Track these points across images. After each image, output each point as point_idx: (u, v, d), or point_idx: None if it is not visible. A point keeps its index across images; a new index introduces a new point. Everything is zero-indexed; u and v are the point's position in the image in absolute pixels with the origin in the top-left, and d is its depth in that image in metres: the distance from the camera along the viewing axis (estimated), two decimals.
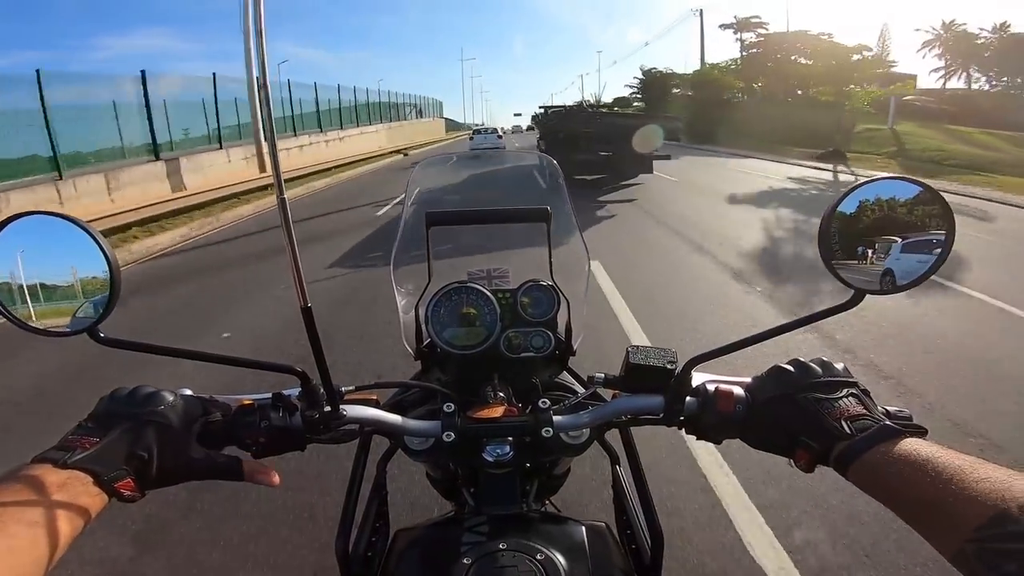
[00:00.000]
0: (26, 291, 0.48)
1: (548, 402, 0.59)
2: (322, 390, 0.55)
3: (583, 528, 0.58)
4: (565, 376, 0.81)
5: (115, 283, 0.48)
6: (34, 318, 0.48)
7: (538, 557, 0.50)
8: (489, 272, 0.82)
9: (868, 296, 0.50)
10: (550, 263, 0.82)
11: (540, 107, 15.08)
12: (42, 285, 0.48)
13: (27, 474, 0.42)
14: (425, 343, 0.80)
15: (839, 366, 0.53)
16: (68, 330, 0.49)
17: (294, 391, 0.57)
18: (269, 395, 0.57)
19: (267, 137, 0.44)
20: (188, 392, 0.55)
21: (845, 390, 0.50)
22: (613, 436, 0.70)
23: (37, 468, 0.42)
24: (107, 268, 0.48)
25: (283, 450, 0.56)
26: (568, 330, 0.80)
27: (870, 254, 0.50)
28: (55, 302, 0.49)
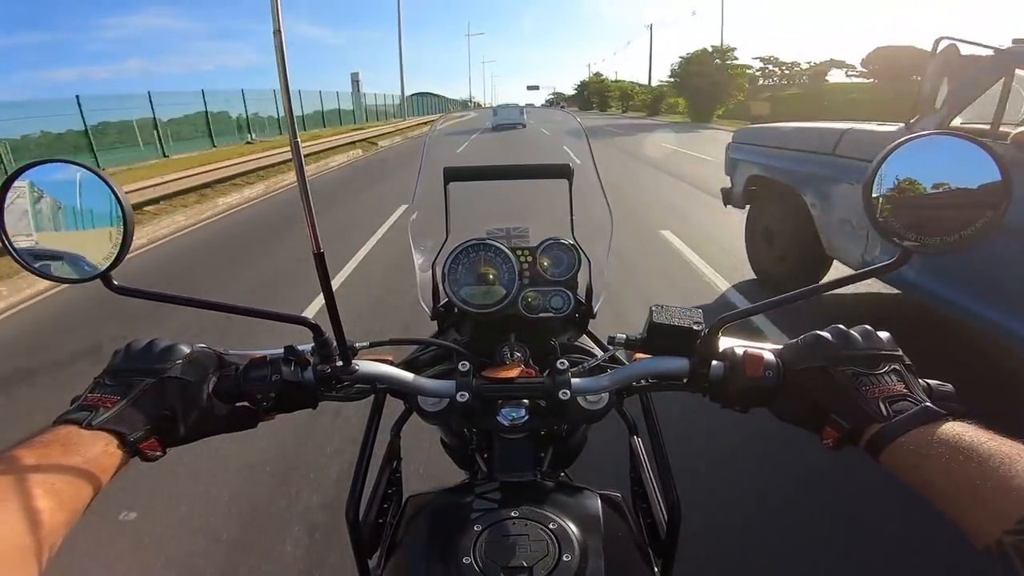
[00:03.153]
0: (40, 237, 0.48)
1: (567, 363, 0.57)
2: (335, 344, 0.54)
3: (598, 498, 0.56)
4: (585, 340, 0.78)
5: (128, 230, 0.47)
6: (48, 264, 0.48)
7: (550, 526, 0.49)
8: (508, 231, 0.80)
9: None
10: (571, 221, 0.80)
11: None
12: (56, 231, 0.48)
13: (50, 437, 0.41)
14: (442, 303, 0.78)
15: (884, 336, 0.49)
16: (81, 276, 0.49)
17: (308, 346, 0.56)
18: (282, 350, 0.56)
19: (281, 83, 0.42)
20: (202, 345, 0.54)
21: (887, 365, 0.46)
22: (631, 405, 0.67)
23: (61, 430, 0.42)
24: (120, 215, 0.47)
25: (294, 407, 0.55)
26: (589, 291, 0.78)
27: (916, 211, 0.46)
28: (69, 248, 0.49)
